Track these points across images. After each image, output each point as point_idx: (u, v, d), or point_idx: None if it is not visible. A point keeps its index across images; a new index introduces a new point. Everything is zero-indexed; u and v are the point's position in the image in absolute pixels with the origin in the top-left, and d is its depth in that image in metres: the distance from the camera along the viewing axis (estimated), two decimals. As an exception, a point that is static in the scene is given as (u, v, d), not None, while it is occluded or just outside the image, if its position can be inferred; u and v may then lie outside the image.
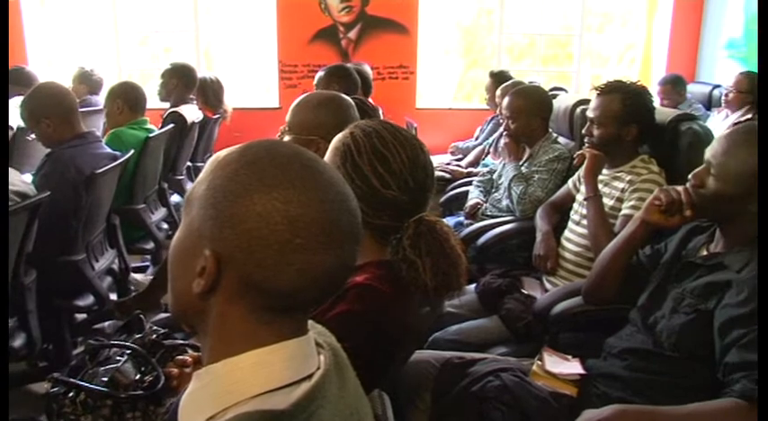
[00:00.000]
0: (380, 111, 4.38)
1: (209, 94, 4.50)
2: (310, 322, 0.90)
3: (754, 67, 4.82)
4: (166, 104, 4.07)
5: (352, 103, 2.04)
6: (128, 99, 3.36)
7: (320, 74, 3.42)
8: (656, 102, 4.82)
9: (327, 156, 1.44)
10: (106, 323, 3.00)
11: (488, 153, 4.01)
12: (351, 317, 1.25)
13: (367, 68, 4.57)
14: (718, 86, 5.06)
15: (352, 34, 5.56)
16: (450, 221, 3.38)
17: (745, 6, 5.23)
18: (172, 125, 3.70)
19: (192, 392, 0.82)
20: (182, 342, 1.50)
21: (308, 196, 0.76)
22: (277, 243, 0.74)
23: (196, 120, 4.05)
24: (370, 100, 4.37)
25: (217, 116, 4.53)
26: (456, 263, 1.35)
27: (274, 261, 0.74)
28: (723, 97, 4.49)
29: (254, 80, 6.50)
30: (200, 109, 4.25)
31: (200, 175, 0.81)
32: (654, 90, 5.13)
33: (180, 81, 4.10)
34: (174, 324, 1.35)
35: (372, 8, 5.53)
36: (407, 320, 1.37)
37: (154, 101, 4.01)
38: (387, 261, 1.38)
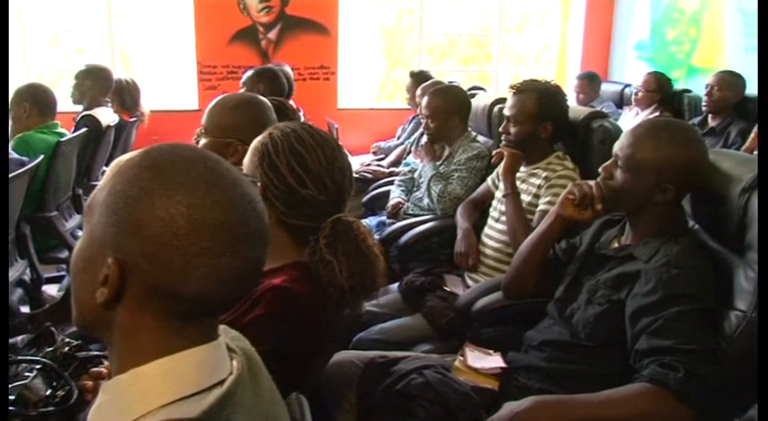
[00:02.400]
0: (302, 113, 4.37)
1: (126, 96, 4.36)
2: (223, 327, 0.88)
3: (660, 67, 5.05)
4: (80, 107, 3.92)
5: (270, 105, 2.02)
6: (36, 101, 3.22)
7: (248, 74, 3.39)
8: (573, 96, 5.02)
9: (246, 158, 1.44)
10: (18, 338, 2.87)
11: (410, 152, 4.04)
12: (268, 320, 1.24)
13: (288, 69, 4.53)
14: (628, 85, 5.25)
15: (272, 35, 5.49)
16: (372, 221, 3.39)
17: (651, 10, 5.45)
18: (85, 129, 3.57)
19: (99, 405, 0.79)
20: (96, 353, 1.45)
21: (212, 199, 0.75)
22: (182, 248, 0.72)
23: (111, 124, 3.92)
24: (291, 101, 4.35)
25: (133, 119, 4.40)
26: (373, 263, 1.35)
27: (180, 266, 0.73)
28: (633, 96, 4.68)
29: (172, 82, 6.35)
30: (115, 112, 4.11)
31: (101, 181, 0.79)
32: (569, 89, 5.29)
33: (94, 83, 3.95)
34: (89, 335, 1.30)
35: (292, 8, 5.48)
36: (326, 321, 1.36)
37: (66, 104, 3.87)
38: (305, 262, 1.38)
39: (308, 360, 1.33)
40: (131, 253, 0.73)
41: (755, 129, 3.20)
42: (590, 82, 5.17)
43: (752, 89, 3.90)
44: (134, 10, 6.04)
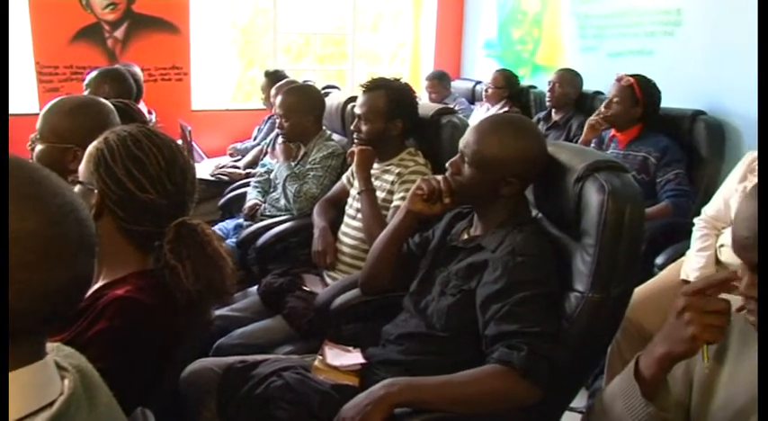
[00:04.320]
0: (153, 116, 4.21)
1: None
2: (55, 345, 0.83)
3: (507, 65, 5.29)
4: None
5: (112, 108, 1.93)
6: None
7: (92, 75, 3.21)
8: (425, 96, 5.15)
9: (82, 164, 1.37)
10: None
11: (266, 153, 4.00)
12: (111, 333, 1.18)
13: (137, 70, 4.35)
14: (479, 82, 5.45)
15: (119, 33, 5.22)
16: (229, 224, 3.33)
17: (498, 11, 5.69)
18: None
19: None
20: None
21: (25, 208, 0.70)
22: None
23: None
24: (142, 103, 4.17)
25: (-37, 124, 4.06)
26: (220, 265, 1.32)
27: None
28: (484, 92, 4.87)
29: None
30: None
31: None
32: (424, 87, 5.43)
33: None
34: None
35: (139, 6, 5.23)
36: (175, 330, 1.32)
37: None
38: (150, 270, 1.33)
39: (156, 371, 1.28)
40: None
41: (587, 123, 3.42)
42: (440, 81, 5.33)
43: (588, 85, 4.18)
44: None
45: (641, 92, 3.27)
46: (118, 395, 0.89)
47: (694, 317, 1.09)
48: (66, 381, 0.79)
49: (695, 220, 2.61)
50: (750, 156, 2.55)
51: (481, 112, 4.83)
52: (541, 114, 4.36)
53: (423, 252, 1.91)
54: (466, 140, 1.71)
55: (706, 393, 1.21)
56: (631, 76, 3.31)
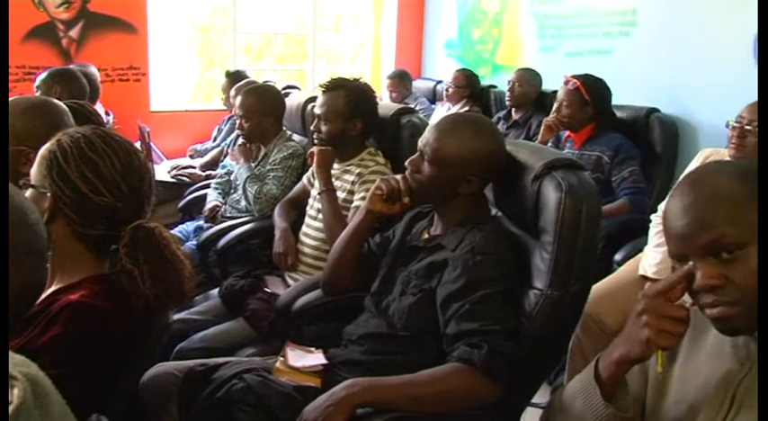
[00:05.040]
0: (111, 117, 4.14)
1: None
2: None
3: (468, 64, 5.33)
4: None
5: (66, 109, 1.89)
6: None
7: (42, 76, 3.15)
8: (387, 95, 5.15)
9: (34, 167, 1.34)
10: None
11: (227, 154, 3.96)
12: (66, 339, 1.16)
13: (93, 70, 4.28)
14: (440, 82, 5.47)
15: (74, 33, 5.11)
16: (189, 226, 3.29)
17: (458, 11, 5.72)
18: None
19: None
20: None
21: None
22: None
23: None
24: (99, 104, 4.10)
25: None
26: (178, 269, 1.31)
27: None
28: (444, 92, 4.89)
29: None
30: None
31: None
32: (385, 87, 5.44)
33: None
34: None
35: (95, 5, 5.12)
36: (132, 335, 1.30)
37: None
38: (106, 274, 1.31)
39: (112, 378, 1.26)
40: None
41: (544, 123, 3.45)
42: (400, 80, 5.34)
43: (547, 85, 4.23)
44: None
45: (588, 93, 3.29)
46: (73, 402, 0.87)
47: (651, 321, 1.09)
48: (16, 391, 0.77)
49: (652, 217, 2.66)
50: (704, 154, 2.60)
51: (442, 112, 4.85)
52: (501, 113, 4.40)
53: (384, 252, 1.91)
54: (425, 139, 1.71)
55: (660, 389, 1.23)
56: (577, 77, 3.33)
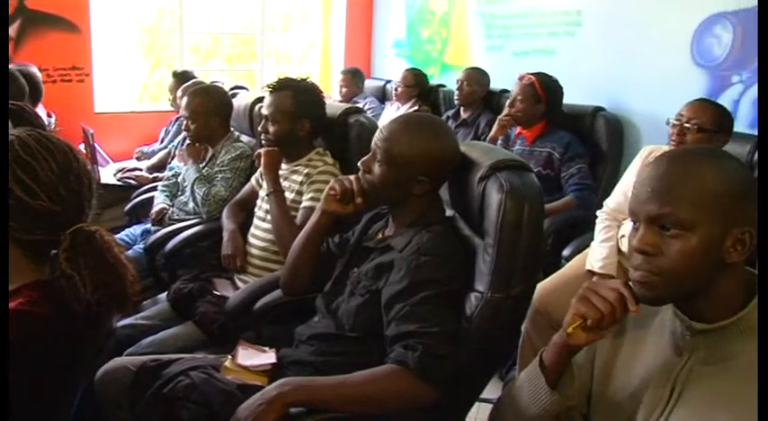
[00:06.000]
0: (53, 119, 4.04)
1: None
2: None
3: (417, 64, 5.36)
4: None
5: (-2, 112, 1.84)
6: None
7: None
8: (337, 91, 5.15)
9: None
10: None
11: (174, 156, 3.90)
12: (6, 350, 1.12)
13: (34, 70, 4.16)
14: (389, 81, 5.48)
15: (12, 31, 4.93)
16: (137, 229, 3.23)
17: (407, 11, 5.74)
18: None
19: None
20: None
21: None
22: None
23: None
24: (41, 106, 4.00)
25: None
26: (120, 273, 1.28)
27: None
28: (394, 91, 4.90)
29: None
30: None
31: None
32: (334, 87, 5.42)
33: None
34: None
35: (33, 2, 4.95)
36: (74, 343, 1.27)
37: None
38: (45, 281, 1.27)
39: (56, 387, 1.23)
40: None
41: (498, 120, 3.50)
42: (353, 77, 5.35)
43: (495, 84, 4.27)
44: None
45: (542, 89, 3.37)
46: (19, 411, 0.85)
47: (582, 293, 1.14)
48: None
49: (598, 213, 2.72)
50: (646, 151, 2.67)
51: (391, 111, 4.86)
52: (450, 112, 4.43)
53: (342, 252, 1.90)
54: (377, 139, 1.71)
55: (605, 377, 1.26)
56: (533, 74, 3.41)
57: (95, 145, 4.18)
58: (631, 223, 1.14)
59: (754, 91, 3.02)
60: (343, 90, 5.28)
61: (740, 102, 3.08)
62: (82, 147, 4.25)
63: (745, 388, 1.02)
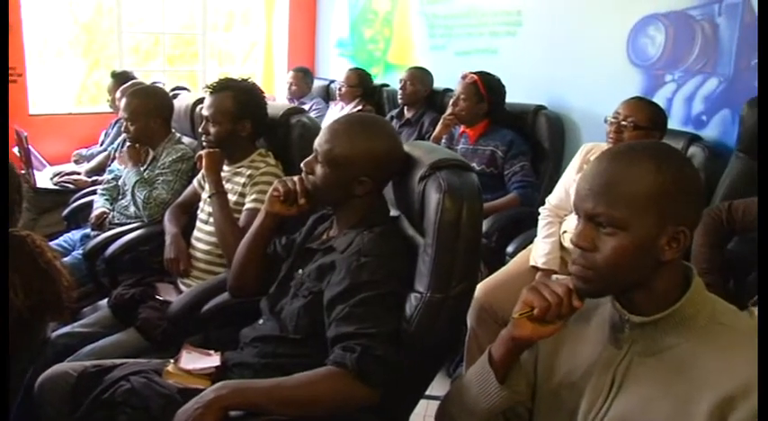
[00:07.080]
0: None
1: None
2: None
3: (360, 63, 5.37)
4: None
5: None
6: None
7: None
8: (279, 95, 5.09)
9: None
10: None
11: (114, 158, 3.81)
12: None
13: (-39, 71, 4.01)
14: (333, 81, 5.47)
15: (-69, 27, 4.74)
16: (75, 235, 3.15)
17: (350, 10, 5.73)
18: None
19: None
20: None
21: None
22: None
23: None
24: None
25: None
26: (54, 278, 1.25)
27: None
28: (337, 91, 4.89)
29: None
30: None
31: None
32: (277, 87, 5.37)
33: None
34: None
35: (-42, -1, 4.79)
36: (5, 352, 1.23)
37: None
38: (-24, 289, 1.23)
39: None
40: None
41: (443, 119, 3.53)
42: (304, 76, 5.33)
43: (438, 83, 4.31)
44: None
45: (485, 88, 3.42)
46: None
47: (533, 285, 1.18)
48: None
49: (540, 210, 2.77)
50: (585, 148, 2.73)
51: (336, 111, 4.86)
52: (394, 112, 4.45)
53: (288, 254, 1.89)
54: (319, 139, 1.70)
55: (548, 371, 1.28)
56: (475, 73, 3.45)
57: (30, 148, 4.06)
58: (574, 219, 1.17)
59: (686, 89, 3.12)
60: (293, 88, 5.25)
61: (673, 100, 3.18)
62: (15, 150, 4.12)
63: (678, 378, 1.06)
